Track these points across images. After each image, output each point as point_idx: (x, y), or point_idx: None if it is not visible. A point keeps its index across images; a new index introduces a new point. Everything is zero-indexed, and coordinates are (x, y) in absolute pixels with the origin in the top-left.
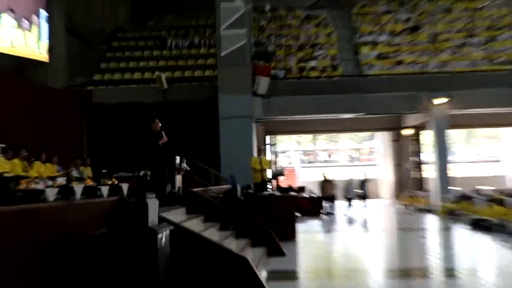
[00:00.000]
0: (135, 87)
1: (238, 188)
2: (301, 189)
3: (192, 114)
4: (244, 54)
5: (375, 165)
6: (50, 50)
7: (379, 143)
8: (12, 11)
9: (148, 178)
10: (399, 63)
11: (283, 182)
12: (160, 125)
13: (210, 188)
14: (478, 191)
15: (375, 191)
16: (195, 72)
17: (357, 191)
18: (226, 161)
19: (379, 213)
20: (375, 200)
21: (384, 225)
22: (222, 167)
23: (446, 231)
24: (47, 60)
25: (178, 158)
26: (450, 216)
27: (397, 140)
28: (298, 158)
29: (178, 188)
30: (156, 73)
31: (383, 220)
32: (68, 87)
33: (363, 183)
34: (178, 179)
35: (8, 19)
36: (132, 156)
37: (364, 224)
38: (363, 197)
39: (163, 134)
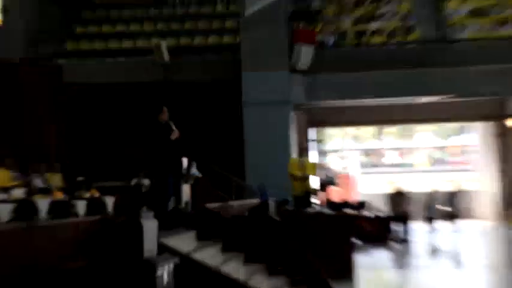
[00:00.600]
0: (123, 62)
1: (271, 203)
2: (361, 205)
3: (205, 100)
4: (278, 14)
5: (469, 170)
6: (5, 9)
7: (475, 139)
8: None
9: (144, 189)
10: (504, 22)
11: (336, 194)
12: (167, 116)
13: (231, 203)
14: None
15: (470, 208)
16: (208, 39)
17: (443, 208)
18: (253, 164)
19: (477, 240)
20: (471, 221)
21: (486, 260)
22: (247, 174)
23: None
24: (0, 23)
25: (185, 161)
26: None
27: (503, 134)
28: (356, 160)
29: (186, 202)
30: (154, 41)
31: (483, 251)
32: (29, 59)
33: (451, 197)
34: (186, 190)
35: None
36: (120, 159)
37: (455, 257)
38: (452, 216)
39: (173, 126)
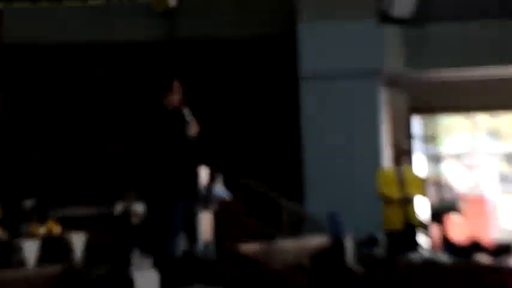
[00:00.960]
0: (99, 7)
1: (348, 243)
2: (505, 249)
3: (237, 71)
4: None
5: None
6: None
7: None
8: None
9: (136, 220)
10: None
11: (460, 229)
12: (180, 96)
13: (281, 243)
14: None
15: None
16: None
17: None
18: (316, 178)
19: None
20: None
21: None
22: (307, 194)
23: None
24: None
25: (205, 174)
26: None
27: None
28: (495, 171)
29: (206, 243)
30: None
31: None
32: None
33: None
34: (206, 221)
35: None
36: (95, 167)
37: None
38: None
39: (188, 116)
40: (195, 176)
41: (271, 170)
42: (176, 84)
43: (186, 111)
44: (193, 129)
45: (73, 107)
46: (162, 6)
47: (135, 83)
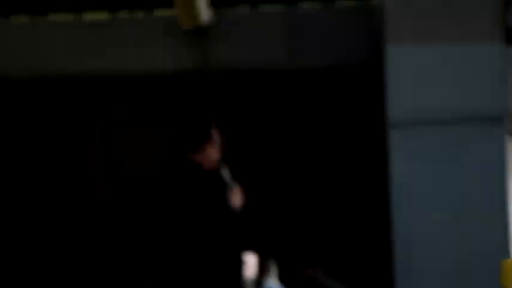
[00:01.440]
0: (100, 23)
1: None
2: None
3: (302, 115)
4: None
5: None
6: None
7: None
8: None
9: None
10: None
11: None
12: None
13: None
14: None
15: None
16: None
17: None
18: (412, 267)
19: None
20: None
21: None
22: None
23: None
24: None
25: (252, 262)
26: None
27: None
28: None
29: None
30: None
31: None
32: None
33: None
34: None
35: None
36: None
37: None
38: None
39: (228, 178)
40: (238, 266)
41: (348, 257)
42: (215, 132)
43: (225, 173)
44: (236, 199)
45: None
46: (192, 22)
47: (150, 128)
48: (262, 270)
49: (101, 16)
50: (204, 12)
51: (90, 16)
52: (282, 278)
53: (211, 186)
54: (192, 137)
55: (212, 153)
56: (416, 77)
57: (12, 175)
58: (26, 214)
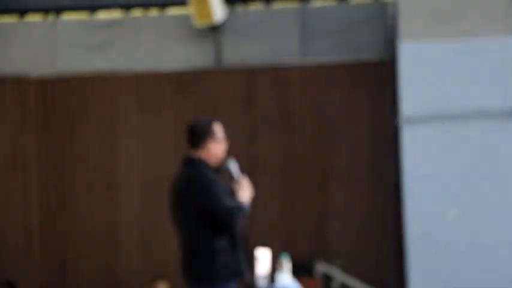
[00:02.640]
0: (105, 21)
1: None
2: None
3: (311, 110)
4: None
5: None
6: None
7: None
8: None
9: None
10: None
11: None
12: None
13: None
14: None
15: None
16: None
17: None
18: (424, 267)
19: None
20: None
21: None
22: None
23: None
24: None
25: (265, 257)
26: None
27: None
28: None
29: None
30: None
31: None
32: None
33: None
34: None
35: None
36: None
37: None
38: None
39: (235, 173)
40: (249, 261)
41: (359, 249)
42: (218, 129)
43: (232, 164)
44: (244, 192)
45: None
46: (206, 19)
47: (164, 125)
48: (275, 265)
49: (114, 15)
50: (218, 10)
51: (103, 15)
52: (295, 273)
53: (215, 181)
54: (194, 134)
55: (215, 149)
56: (429, 73)
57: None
58: None
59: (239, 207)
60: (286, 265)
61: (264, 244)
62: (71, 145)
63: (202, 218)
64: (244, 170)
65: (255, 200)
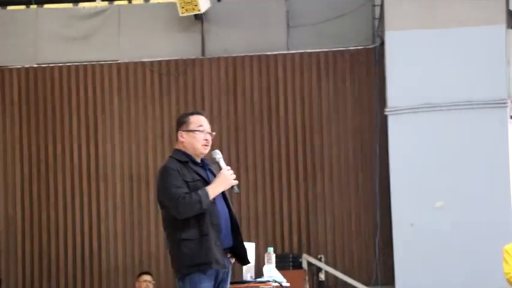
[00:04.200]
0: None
1: None
2: None
3: (297, 99)
4: None
5: None
6: None
7: None
8: None
9: None
10: None
11: None
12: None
13: None
14: None
15: None
16: None
17: None
18: (409, 252)
19: None
20: None
21: None
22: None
23: None
24: None
25: (249, 250)
26: None
27: None
28: None
29: None
30: None
31: None
32: None
33: None
34: None
35: None
36: None
37: None
38: None
39: (221, 162)
40: (240, 247)
41: (346, 241)
42: (195, 120)
43: (217, 155)
44: (220, 181)
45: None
46: (191, 8)
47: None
48: (262, 259)
49: (98, 4)
50: None
51: (87, 4)
52: (280, 265)
53: (175, 170)
54: (179, 120)
55: (189, 140)
56: (416, 62)
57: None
58: None
59: (194, 195)
60: (272, 258)
61: (249, 237)
62: (54, 136)
63: (161, 207)
64: (229, 160)
65: (240, 192)
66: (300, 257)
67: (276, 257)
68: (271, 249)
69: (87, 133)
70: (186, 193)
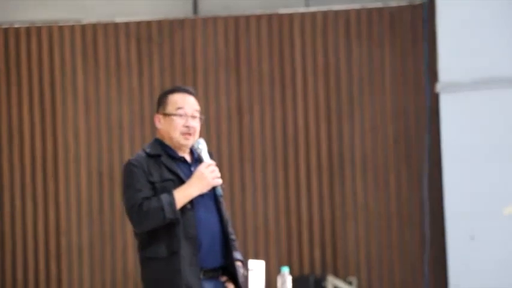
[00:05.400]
0: None
1: None
2: None
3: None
4: None
5: None
6: None
7: None
8: None
9: None
10: None
11: None
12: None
13: None
14: None
15: None
16: None
17: None
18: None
19: None
20: None
21: None
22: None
23: None
24: None
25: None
26: None
27: None
28: None
29: None
30: None
31: None
32: None
33: None
34: None
35: None
36: None
37: None
38: None
39: (204, 155)
40: (230, 268)
41: (383, 260)
42: (177, 99)
43: (201, 146)
44: (201, 178)
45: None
46: None
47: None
48: (275, 281)
49: None
50: None
51: None
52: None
53: (139, 168)
54: (158, 100)
55: (166, 125)
56: (479, 24)
57: None
58: None
59: (154, 201)
60: (288, 281)
61: (257, 253)
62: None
63: None
64: (230, 153)
65: (246, 194)
66: (325, 279)
67: (293, 280)
68: (286, 270)
69: (42, 117)
70: (145, 198)
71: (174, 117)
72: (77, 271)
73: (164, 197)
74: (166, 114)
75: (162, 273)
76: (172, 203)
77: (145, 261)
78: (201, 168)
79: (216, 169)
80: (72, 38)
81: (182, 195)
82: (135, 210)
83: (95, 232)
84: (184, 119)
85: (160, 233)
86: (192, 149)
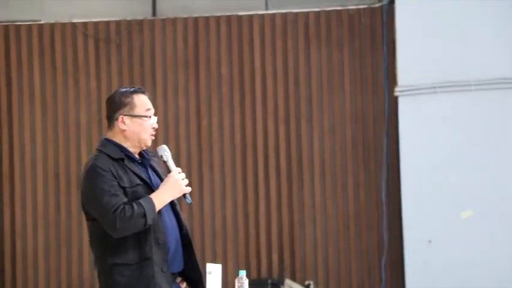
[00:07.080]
0: None
1: None
2: None
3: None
4: None
5: None
6: None
7: None
8: None
9: None
10: None
11: None
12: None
13: None
14: None
15: None
16: None
17: None
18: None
19: None
20: None
21: None
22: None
23: None
24: None
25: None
26: None
27: None
28: None
29: None
30: None
31: None
32: None
33: None
34: None
35: None
36: None
37: None
38: None
39: (170, 163)
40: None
41: (341, 264)
42: (142, 100)
43: (164, 152)
44: (174, 185)
45: None
46: None
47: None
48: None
49: None
50: None
51: None
52: None
53: (108, 172)
54: (107, 108)
55: (132, 128)
56: (436, 27)
57: None
58: None
59: (136, 207)
60: (245, 285)
61: (215, 257)
62: None
63: (88, 218)
64: (188, 155)
65: (205, 197)
66: (282, 283)
67: (251, 284)
68: (243, 273)
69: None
70: (125, 204)
71: (145, 119)
72: (32, 274)
73: (145, 202)
74: (135, 116)
75: (133, 279)
76: (153, 209)
77: (112, 268)
78: (174, 175)
79: (184, 176)
80: (29, 37)
81: (159, 201)
82: (116, 215)
83: (51, 234)
84: (152, 121)
85: (130, 238)
86: (142, 151)
